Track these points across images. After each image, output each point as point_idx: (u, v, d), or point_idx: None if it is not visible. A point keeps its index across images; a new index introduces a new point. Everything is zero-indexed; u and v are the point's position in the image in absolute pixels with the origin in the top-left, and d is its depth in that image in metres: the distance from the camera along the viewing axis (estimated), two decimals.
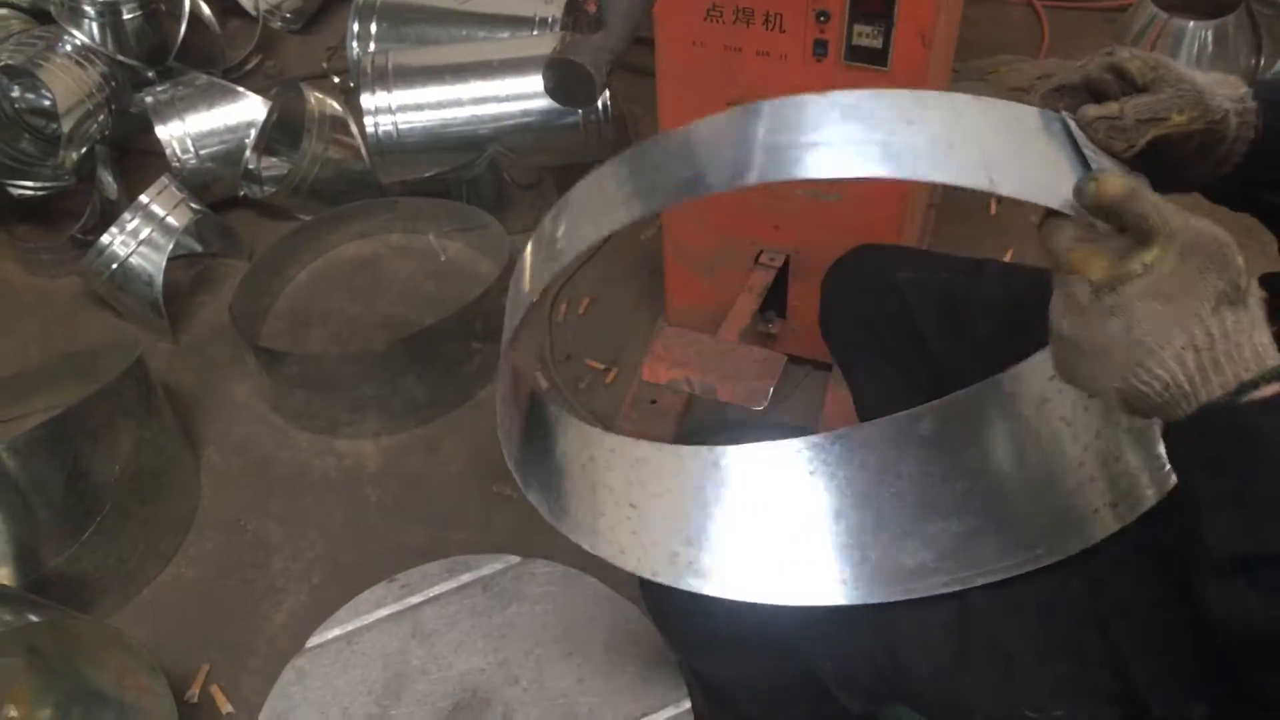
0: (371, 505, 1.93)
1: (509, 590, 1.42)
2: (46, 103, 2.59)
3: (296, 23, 3.05)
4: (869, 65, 1.55)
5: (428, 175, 2.32)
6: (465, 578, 1.43)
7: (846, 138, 0.76)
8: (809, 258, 1.83)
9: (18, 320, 2.32)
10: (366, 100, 2.23)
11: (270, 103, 2.41)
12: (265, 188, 2.43)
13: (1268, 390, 0.69)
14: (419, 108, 2.26)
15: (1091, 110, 0.82)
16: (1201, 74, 0.85)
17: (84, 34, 2.49)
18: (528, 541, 1.78)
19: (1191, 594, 0.72)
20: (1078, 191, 0.74)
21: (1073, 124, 0.81)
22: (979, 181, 0.74)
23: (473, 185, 2.33)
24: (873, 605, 0.96)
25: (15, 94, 2.58)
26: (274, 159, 2.52)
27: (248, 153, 2.38)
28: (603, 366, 2.12)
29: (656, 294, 2.12)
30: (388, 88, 2.24)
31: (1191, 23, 2.50)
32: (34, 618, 1.43)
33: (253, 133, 2.38)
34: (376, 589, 1.43)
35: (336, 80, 2.81)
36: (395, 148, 2.26)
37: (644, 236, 2.37)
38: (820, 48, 1.56)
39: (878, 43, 1.53)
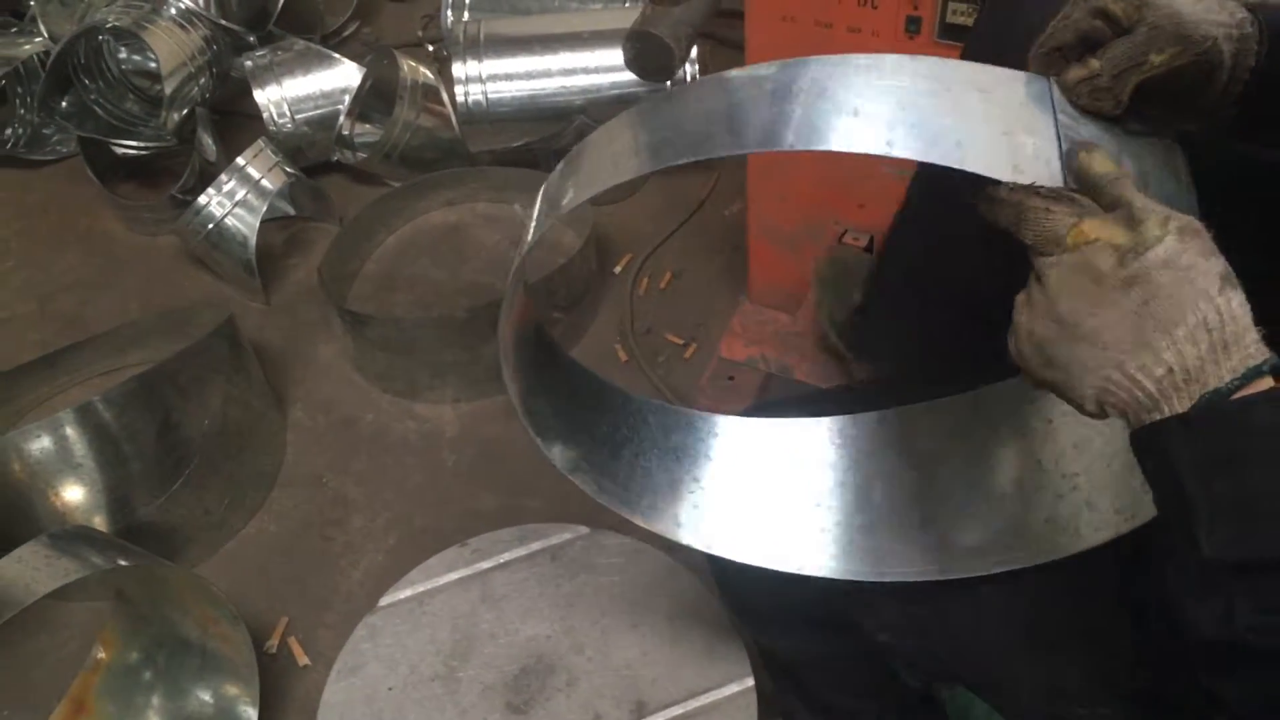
0: (448, 469, 1.96)
1: (577, 560, 1.43)
2: (152, 65, 2.66)
3: None
4: (963, 44, 1.52)
5: (516, 145, 2.34)
6: (535, 546, 1.45)
7: (756, 118, 0.77)
8: None
9: (119, 276, 2.40)
10: (457, 69, 2.25)
11: (365, 69, 2.44)
12: (358, 153, 2.47)
13: (1258, 384, 0.65)
14: (509, 77, 2.28)
15: (1071, 75, 0.78)
16: (1198, 5, 0.78)
17: None
18: (599, 513, 1.79)
19: (1171, 613, 0.68)
20: (1067, 157, 0.72)
21: (1056, 91, 0.78)
22: (878, 148, 0.73)
23: (560, 156, 2.34)
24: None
25: (122, 55, 2.66)
26: (367, 125, 2.55)
27: (342, 118, 2.42)
28: (682, 341, 2.12)
29: (739, 271, 2.11)
30: (479, 57, 2.25)
31: None
32: (124, 563, 1.49)
33: (347, 99, 2.42)
34: (448, 552, 1.45)
35: (431, 48, 2.85)
36: (484, 116, 2.28)
37: (728, 212, 2.36)
38: (913, 24, 1.53)
39: (972, 20, 1.50)
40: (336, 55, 2.47)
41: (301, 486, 1.96)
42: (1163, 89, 0.78)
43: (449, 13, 2.58)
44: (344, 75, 2.45)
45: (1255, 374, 0.64)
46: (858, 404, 1.09)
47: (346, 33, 2.96)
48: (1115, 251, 0.67)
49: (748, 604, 1.18)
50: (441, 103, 2.43)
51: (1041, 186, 0.72)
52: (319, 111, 2.45)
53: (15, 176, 2.66)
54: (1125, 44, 0.77)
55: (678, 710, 1.26)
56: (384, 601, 1.41)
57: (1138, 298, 0.67)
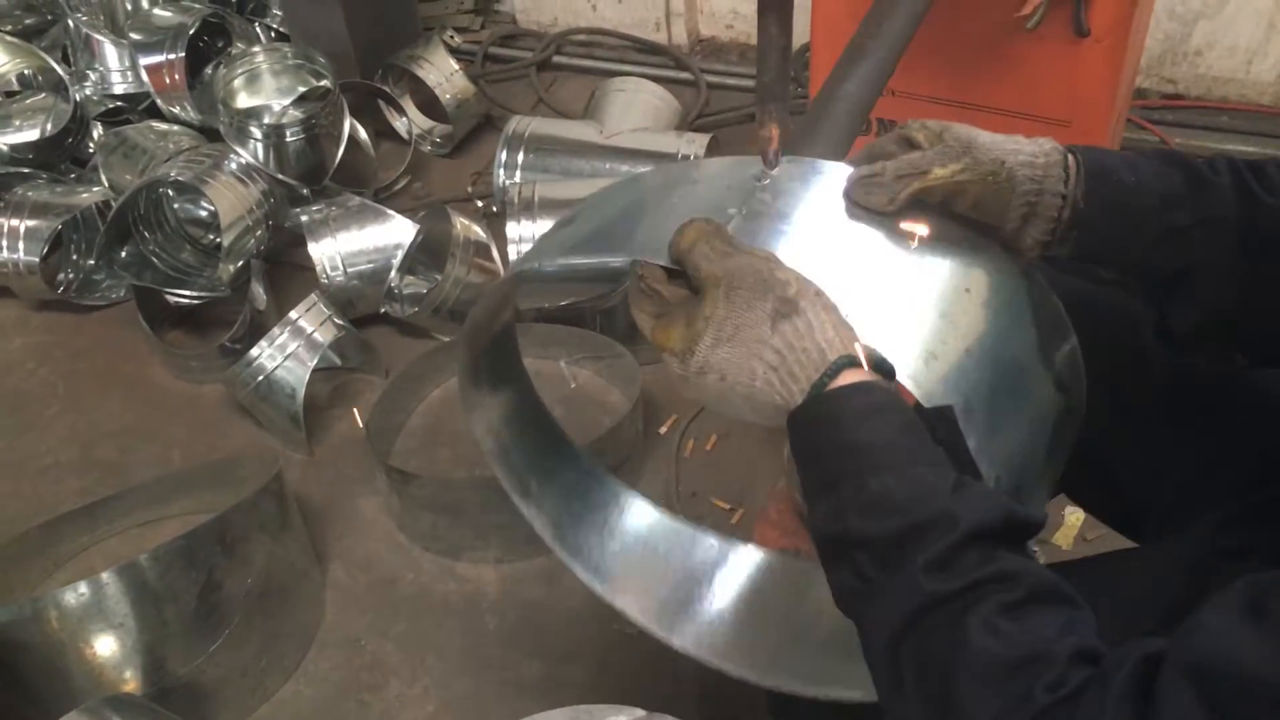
0: (489, 633, 1.92)
1: None
2: (202, 213, 2.71)
3: (445, 147, 3.17)
4: None
5: (563, 304, 2.36)
6: None
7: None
8: None
9: (162, 423, 2.40)
10: (511, 229, 2.30)
11: (418, 225, 2.48)
12: (406, 307, 2.49)
13: (838, 381, 0.77)
14: None
15: (858, 171, 0.91)
16: (1004, 139, 0.89)
17: (249, 153, 2.61)
18: (644, 687, 1.75)
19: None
20: (670, 244, 0.84)
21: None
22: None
23: (607, 315, 2.36)
24: None
25: (176, 205, 2.71)
26: (411, 277, 2.58)
27: (393, 274, 2.45)
28: (729, 507, 2.09)
29: (784, 436, 2.10)
30: (532, 218, 2.30)
31: None
32: None
33: (399, 254, 2.45)
34: None
35: (480, 204, 2.90)
36: (535, 276, 2.30)
37: None
38: None
39: None
40: (390, 211, 2.52)
41: (339, 648, 1.91)
42: (962, 203, 0.90)
43: (501, 171, 2.64)
44: (396, 231, 2.49)
45: (821, 385, 0.77)
46: None
47: (398, 187, 3.02)
48: (676, 359, 0.82)
49: None
50: (491, 259, 2.46)
51: (644, 267, 0.86)
52: (370, 265, 2.48)
53: (65, 320, 2.69)
54: (915, 154, 0.90)
55: None
56: None
57: (714, 378, 0.81)
